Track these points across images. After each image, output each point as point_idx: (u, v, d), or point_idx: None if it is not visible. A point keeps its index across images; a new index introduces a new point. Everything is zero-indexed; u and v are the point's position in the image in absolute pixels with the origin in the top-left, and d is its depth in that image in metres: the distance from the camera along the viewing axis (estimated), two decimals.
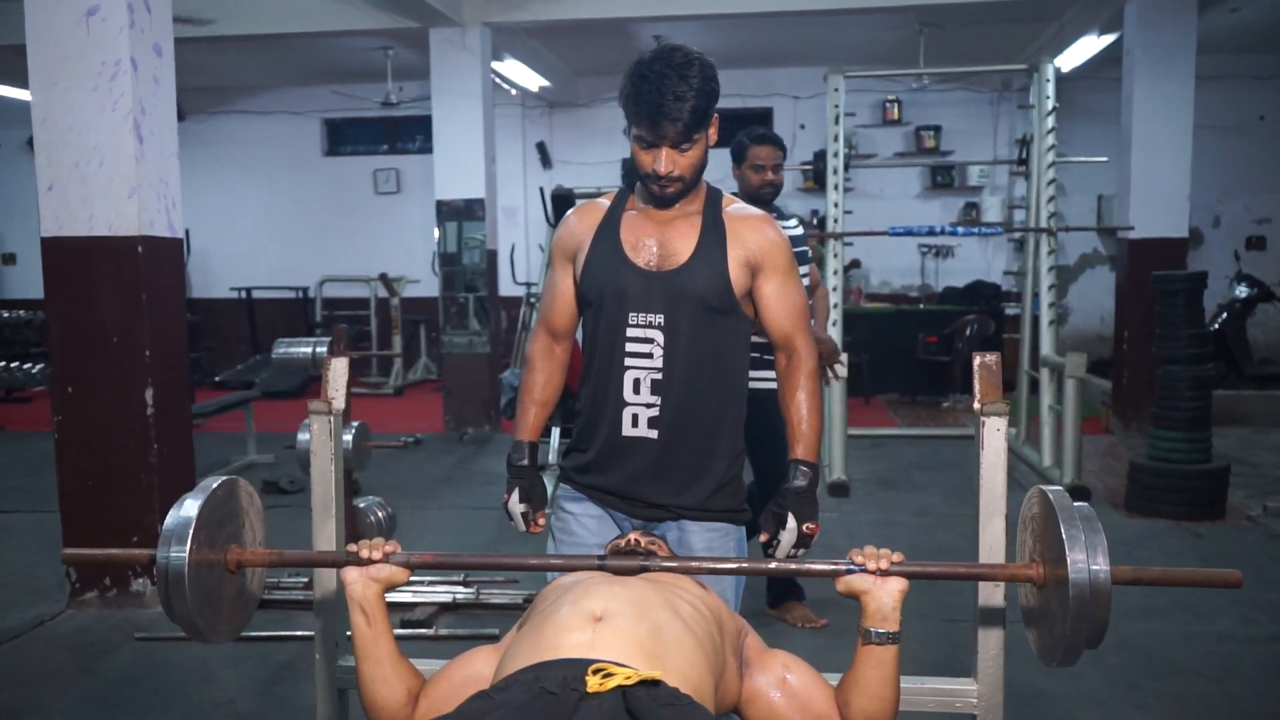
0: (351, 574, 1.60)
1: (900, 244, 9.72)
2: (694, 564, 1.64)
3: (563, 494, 2.09)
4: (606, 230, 2.00)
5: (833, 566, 1.56)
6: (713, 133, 1.91)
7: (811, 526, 1.91)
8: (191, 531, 1.53)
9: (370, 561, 1.60)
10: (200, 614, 1.55)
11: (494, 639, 1.70)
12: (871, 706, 1.51)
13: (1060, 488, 1.52)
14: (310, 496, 1.87)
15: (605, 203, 2.05)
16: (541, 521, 2.08)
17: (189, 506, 1.56)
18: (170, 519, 1.55)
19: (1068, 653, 1.45)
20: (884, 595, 1.52)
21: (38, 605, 3.86)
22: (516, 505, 2.05)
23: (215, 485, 1.62)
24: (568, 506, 2.07)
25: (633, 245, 1.96)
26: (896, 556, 1.54)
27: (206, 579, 1.57)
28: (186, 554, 1.51)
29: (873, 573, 1.53)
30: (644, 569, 1.63)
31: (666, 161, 1.86)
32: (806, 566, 1.64)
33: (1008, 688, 1.73)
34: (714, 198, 2.00)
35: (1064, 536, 1.42)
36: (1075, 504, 1.48)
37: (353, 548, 1.62)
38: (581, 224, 2.04)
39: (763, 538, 1.95)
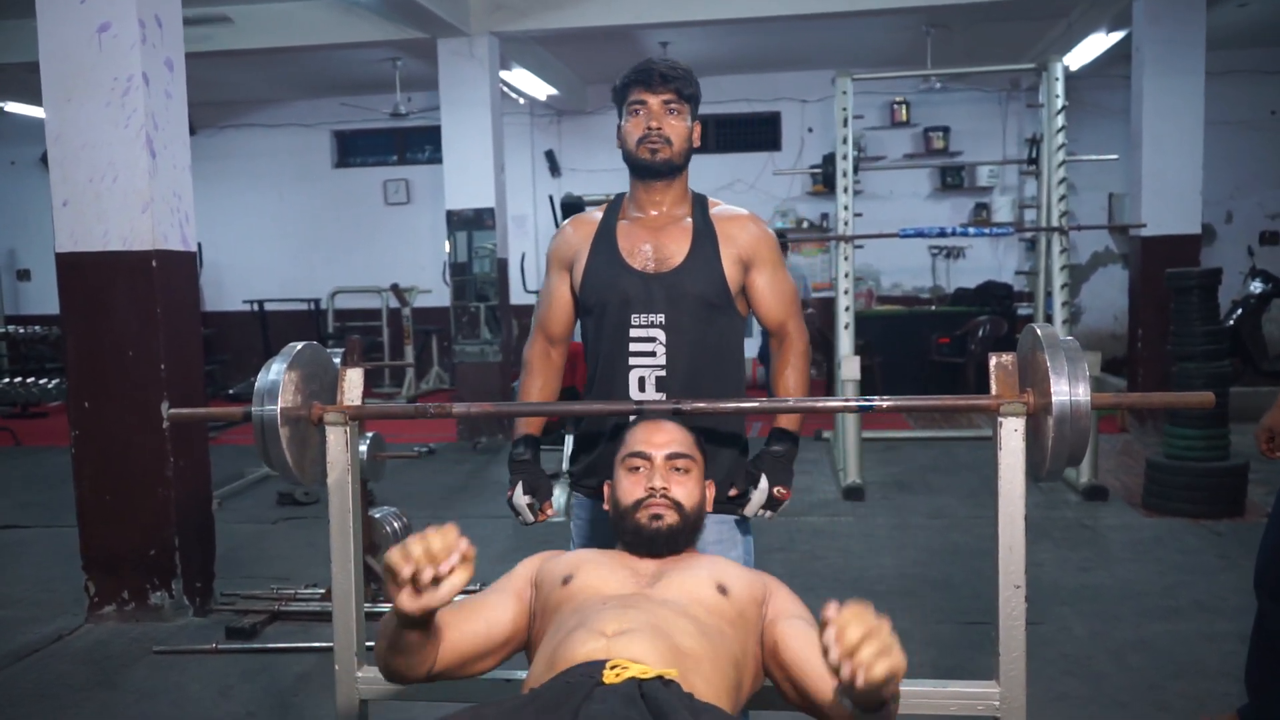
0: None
1: (911, 246, 9.70)
2: (722, 404, 1.82)
3: (577, 502, 2.18)
4: (603, 240, 2.08)
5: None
6: (695, 134, 2.04)
7: (783, 491, 2.01)
8: (280, 389, 1.76)
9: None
10: (292, 458, 1.79)
11: None
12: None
13: (1051, 325, 1.66)
14: (326, 507, 1.88)
15: (597, 215, 2.14)
16: (549, 511, 2.09)
17: (276, 369, 1.78)
18: (260, 379, 1.79)
19: (1051, 472, 1.67)
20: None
21: (56, 620, 3.88)
22: (521, 498, 2.07)
23: (297, 349, 1.83)
24: (582, 514, 2.17)
25: (629, 251, 2.04)
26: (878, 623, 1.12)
27: (294, 430, 1.81)
28: (278, 408, 1.75)
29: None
30: (677, 411, 1.78)
31: (657, 115, 1.97)
32: None
33: (1029, 690, 1.72)
34: (701, 202, 2.10)
35: (1049, 369, 1.58)
36: (1062, 339, 1.64)
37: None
38: (577, 234, 2.13)
39: (732, 492, 2.02)
